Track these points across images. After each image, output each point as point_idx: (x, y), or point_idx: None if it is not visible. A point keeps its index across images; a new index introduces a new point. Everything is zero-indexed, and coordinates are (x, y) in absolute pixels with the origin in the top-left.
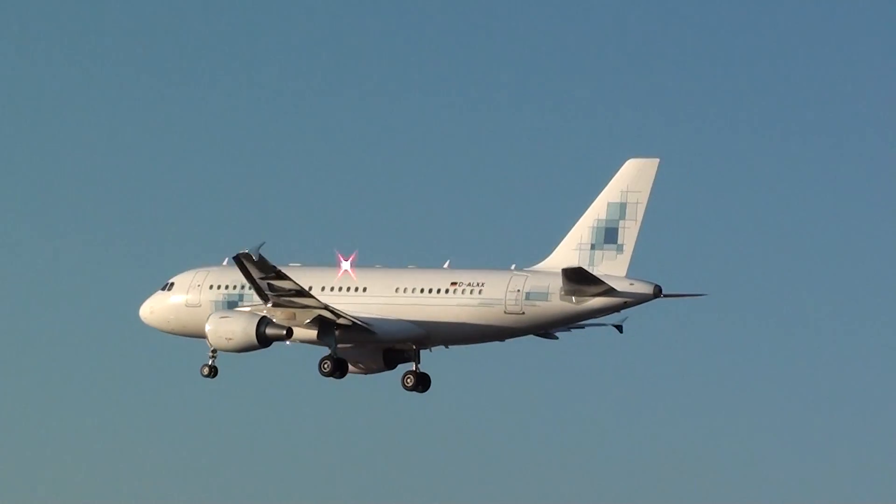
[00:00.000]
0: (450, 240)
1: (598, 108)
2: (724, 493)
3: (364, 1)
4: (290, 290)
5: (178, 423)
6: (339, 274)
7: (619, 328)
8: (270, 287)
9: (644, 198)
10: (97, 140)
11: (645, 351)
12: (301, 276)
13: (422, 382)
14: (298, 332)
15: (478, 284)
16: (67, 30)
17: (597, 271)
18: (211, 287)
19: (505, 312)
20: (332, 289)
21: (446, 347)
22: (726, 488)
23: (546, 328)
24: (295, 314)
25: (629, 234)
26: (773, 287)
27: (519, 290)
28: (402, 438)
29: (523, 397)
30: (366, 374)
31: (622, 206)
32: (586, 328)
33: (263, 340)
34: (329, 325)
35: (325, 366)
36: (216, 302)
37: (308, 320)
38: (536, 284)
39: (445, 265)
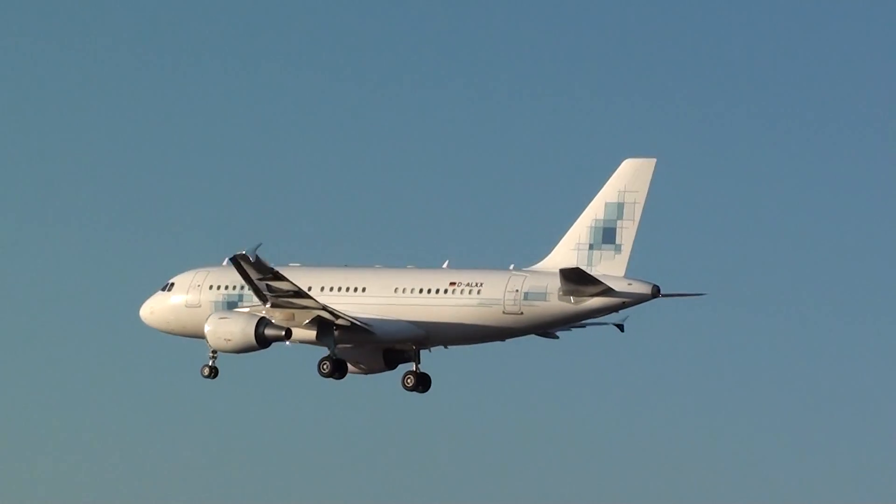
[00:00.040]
0: (449, 240)
1: (594, 108)
2: (725, 492)
3: (363, 1)
4: (288, 290)
5: (179, 424)
6: None
7: (621, 327)
8: (269, 288)
9: (641, 198)
10: (97, 140)
11: (645, 350)
12: (301, 277)
13: (422, 383)
14: (297, 333)
15: (476, 284)
16: (66, 28)
17: (595, 271)
18: (211, 287)
19: (504, 312)
20: (331, 289)
21: (445, 348)
22: (727, 487)
23: (545, 328)
24: (294, 315)
25: (627, 234)
26: (771, 286)
27: (517, 291)
28: (403, 439)
29: (524, 397)
30: (366, 374)
31: (620, 206)
32: (587, 327)
33: (262, 341)
34: (328, 326)
35: (325, 367)
36: (216, 302)
37: (307, 321)
38: (535, 284)
39: (444, 265)
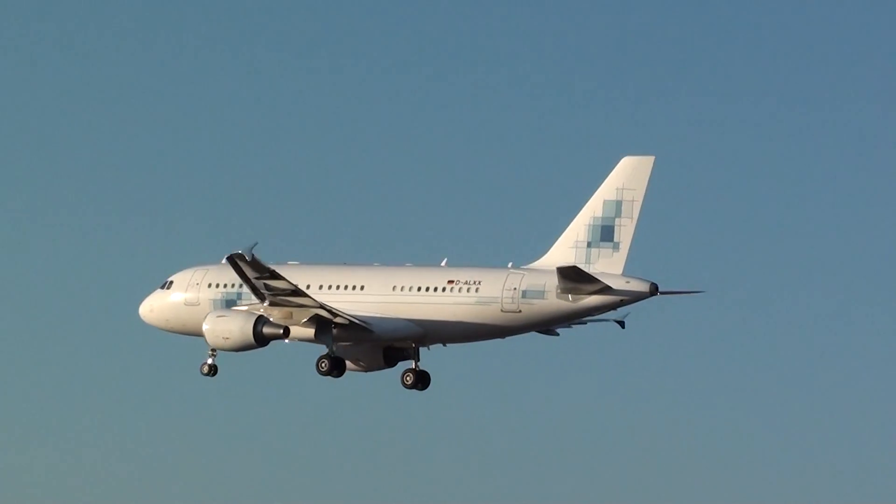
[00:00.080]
0: (447, 238)
1: (593, 105)
2: (725, 488)
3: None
4: (285, 289)
5: (178, 422)
6: None
7: (622, 324)
8: (266, 286)
9: (640, 195)
10: (95, 138)
11: (645, 347)
12: (299, 275)
13: (421, 380)
14: (296, 331)
15: (474, 283)
16: (63, 26)
17: (593, 269)
18: (210, 285)
19: (501, 311)
20: (329, 287)
21: (444, 346)
22: (726, 483)
23: (543, 326)
24: (292, 313)
25: (625, 231)
26: (769, 283)
27: (515, 289)
28: (402, 437)
29: (524, 394)
30: (366, 371)
31: (618, 204)
32: (588, 324)
33: (260, 339)
34: (326, 324)
35: (323, 365)
36: (215, 300)
37: (305, 319)
38: (533, 282)
39: (443, 263)
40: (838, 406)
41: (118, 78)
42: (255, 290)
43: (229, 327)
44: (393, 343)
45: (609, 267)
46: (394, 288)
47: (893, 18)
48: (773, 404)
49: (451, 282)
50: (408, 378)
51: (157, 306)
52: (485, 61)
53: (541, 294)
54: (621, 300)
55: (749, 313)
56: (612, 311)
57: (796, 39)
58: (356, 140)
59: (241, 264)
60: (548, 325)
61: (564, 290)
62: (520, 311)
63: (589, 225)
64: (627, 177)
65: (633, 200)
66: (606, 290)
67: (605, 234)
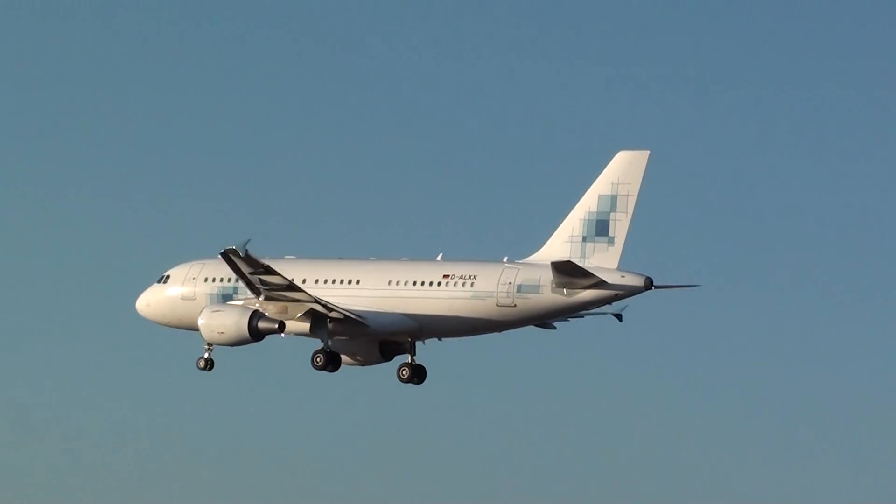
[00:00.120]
0: (443, 232)
1: (588, 100)
2: (720, 481)
3: None
4: (279, 284)
5: (174, 416)
6: None
7: (619, 317)
8: (261, 281)
9: (635, 190)
10: (92, 133)
11: (641, 341)
12: (295, 269)
13: (417, 374)
14: (291, 325)
15: (470, 277)
16: (55, 24)
17: (588, 264)
18: (206, 280)
19: (497, 305)
20: (325, 281)
21: (440, 340)
22: (722, 477)
23: (538, 321)
24: (287, 308)
25: (620, 226)
26: (764, 277)
27: (510, 283)
28: (399, 431)
29: (520, 388)
30: (363, 365)
31: (613, 199)
32: (586, 317)
33: (255, 334)
34: (321, 319)
35: (318, 359)
36: (211, 295)
37: (300, 314)
38: (528, 277)
39: (438, 257)
40: (833, 399)
41: (113, 73)
42: (249, 284)
43: (224, 322)
44: (389, 337)
45: (604, 261)
46: (389, 282)
47: (889, 12)
48: (768, 397)
49: (446, 276)
50: (404, 372)
51: (153, 301)
52: (481, 56)
53: (536, 288)
54: (616, 294)
55: (744, 307)
56: (609, 305)
57: (791, 34)
58: (353, 134)
59: (235, 260)
60: (543, 319)
61: (559, 285)
62: (515, 306)
63: (584, 219)
64: (622, 171)
65: (628, 195)
66: (601, 284)
67: (600, 228)
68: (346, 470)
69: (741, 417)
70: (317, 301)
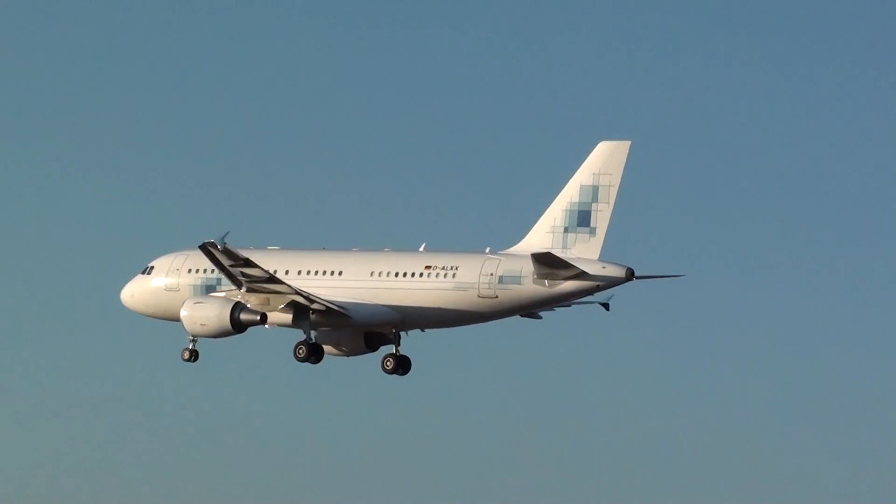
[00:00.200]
0: (426, 222)
1: (570, 90)
2: (710, 473)
3: None
4: (260, 276)
5: (159, 408)
6: None
7: (606, 306)
8: (242, 273)
9: (616, 180)
10: (78, 124)
11: (628, 330)
12: (279, 260)
13: (402, 365)
14: (274, 317)
15: (451, 268)
16: (45, 22)
17: (570, 254)
18: (189, 271)
19: (478, 296)
20: (308, 272)
21: (422, 331)
22: (712, 467)
23: (519, 312)
24: (269, 299)
25: (602, 216)
26: (746, 267)
27: (492, 274)
28: (383, 422)
29: (506, 378)
30: (348, 356)
31: (594, 189)
32: (573, 306)
33: (238, 326)
34: (304, 310)
35: (300, 351)
36: (194, 286)
37: (282, 305)
38: (510, 268)
39: (421, 248)
40: (819, 388)
41: (97, 65)
42: (231, 276)
43: (206, 314)
44: (372, 329)
45: (586, 252)
46: (372, 273)
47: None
48: (753, 387)
49: (428, 267)
50: (388, 363)
51: (137, 292)
52: (462, 46)
53: (517, 279)
54: (597, 285)
55: (727, 297)
56: (598, 294)
57: (774, 22)
58: (335, 126)
59: (215, 252)
60: (525, 310)
61: (541, 276)
62: (496, 297)
63: (566, 210)
64: (604, 162)
65: (609, 185)
66: (582, 275)
67: (581, 219)
68: (331, 462)
69: (728, 406)
70: (298, 293)
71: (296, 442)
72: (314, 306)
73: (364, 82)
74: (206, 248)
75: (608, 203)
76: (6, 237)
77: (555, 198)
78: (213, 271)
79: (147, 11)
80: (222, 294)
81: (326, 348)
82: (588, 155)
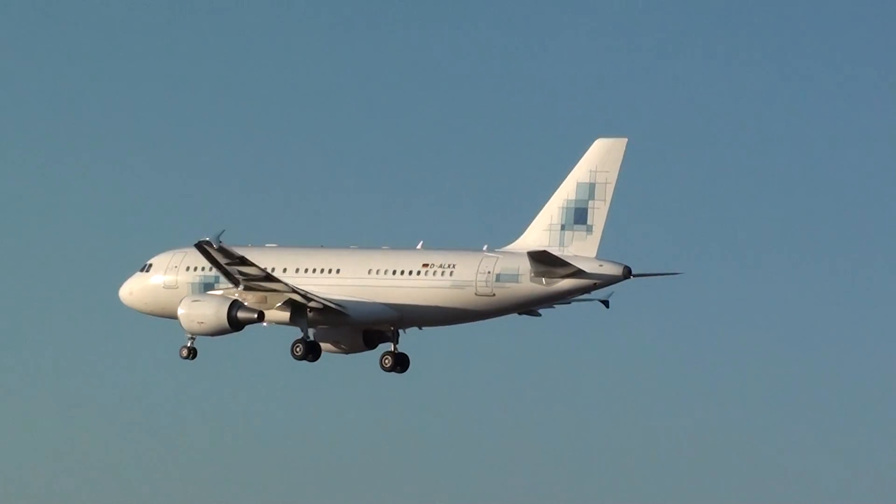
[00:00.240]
0: (424, 220)
1: (566, 87)
2: (710, 469)
3: None
4: (256, 275)
5: (158, 405)
6: None
7: (606, 303)
8: (239, 271)
9: (613, 178)
10: (76, 120)
11: (627, 328)
12: (277, 257)
13: (400, 363)
14: (271, 315)
15: (449, 266)
16: (44, 20)
17: (567, 252)
18: (188, 269)
19: (476, 294)
20: (305, 270)
21: (420, 329)
22: (711, 464)
23: (517, 310)
24: (266, 297)
25: (598, 214)
26: (744, 264)
27: (489, 272)
28: (382, 420)
29: (504, 376)
30: (346, 353)
31: (591, 187)
32: (572, 303)
33: (235, 324)
34: (301, 308)
35: (297, 349)
36: (193, 283)
37: (279, 303)
38: (507, 266)
39: (418, 246)
40: (818, 384)
41: (97, 62)
42: (227, 275)
43: (204, 312)
44: (370, 326)
45: (582, 250)
46: (369, 271)
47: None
48: (753, 385)
49: (425, 265)
50: (386, 361)
51: (136, 289)
52: (459, 45)
53: (514, 278)
54: (594, 284)
55: (725, 294)
56: (598, 291)
57: (770, 19)
58: (333, 123)
59: (210, 251)
60: (521, 308)
61: (538, 274)
62: (494, 295)
63: (562, 207)
64: (600, 159)
65: (606, 183)
66: (579, 273)
67: (578, 216)
68: (330, 460)
69: (727, 403)
70: (295, 291)
71: (295, 440)
72: (311, 304)
73: (362, 80)
74: (201, 247)
75: (605, 200)
76: (5, 235)
77: (551, 195)
78: (211, 269)
79: (145, 10)
80: (220, 292)
81: (325, 346)
82: (585, 152)
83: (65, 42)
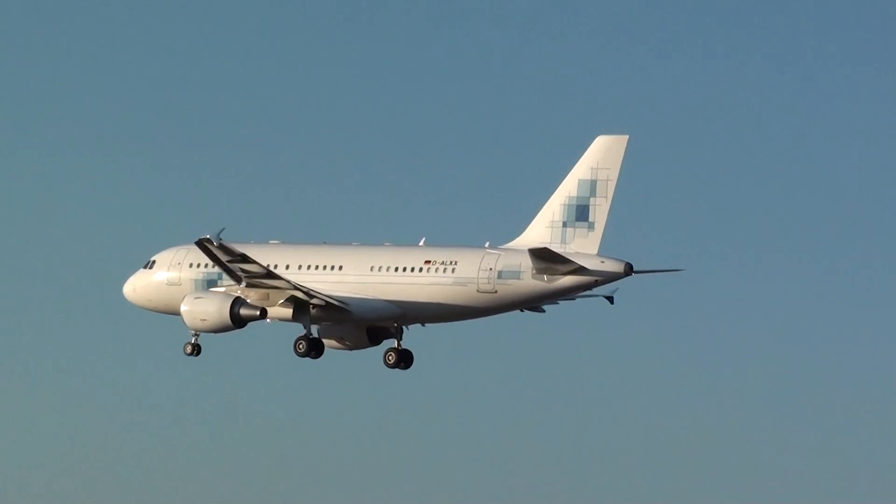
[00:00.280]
0: (427, 216)
1: (567, 84)
2: (710, 468)
3: None
4: (258, 272)
5: (162, 402)
6: None
7: (610, 299)
8: (241, 268)
9: (614, 175)
10: (80, 117)
11: (631, 324)
12: (280, 254)
13: (404, 360)
14: (274, 312)
15: (451, 263)
16: (44, 18)
17: (568, 249)
18: (191, 265)
19: (478, 291)
20: (308, 267)
21: (423, 325)
22: (714, 462)
23: (519, 307)
24: (268, 294)
25: (600, 211)
26: (746, 260)
27: (491, 269)
28: (386, 418)
29: (510, 373)
30: (351, 350)
31: (592, 184)
32: (577, 299)
33: (237, 321)
34: (304, 305)
35: (300, 346)
36: (196, 280)
37: (282, 300)
38: (509, 263)
39: (421, 242)
40: (821, 381)
41: (98, 61)
42: (229, 272)
43: (206, 309)
44: (373, 323)
45: (584, 247)
46: (372, 268)
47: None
48: (757, 381)
49: (427, 262)
50: (390, 357)
51: (140, 286)
52: (460, 42)
53: (516, 274)
54: (596, 280)
55: (728, 290)
56: (603, 287)
57: (772, 19)
58: (336, 120)
59: (211, 248)
60: (523, 305)
61: (539, 271)
62: (496, 292)
63: (564, 204)
64: (602, 156)
65: (607, 180)
66: (581, 270)
67: (580, 213)
68: (334, 456)
69: (731, 399)
70: (297, 288)
71: (299, 437)
72: (314, 301)
73: (364, 77)
74: (202, 244)
75: (606, 197)
76: (9, 233)
77: (553, 192)
78: (214, 266)
79: (145, 9)
80: (223, 289)
81: (330, 342)
82: (586, 149)
83: (65, 41)
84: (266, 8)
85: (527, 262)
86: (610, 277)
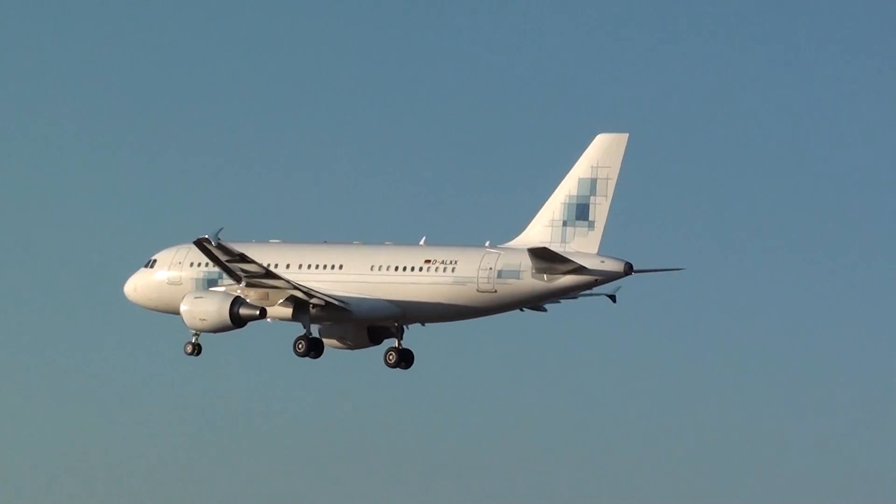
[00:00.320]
0: (427, 215)
1: (567, 82)
2: (721, 468)
3: None
4: (256, 272)
5: (162, 401)
6: None
7: (613, 298)
8: (241, 268)
9: (614, 173)
10: (79, 118)
11: (633, 323)
12: (280, 253)
13: (405, 359)
14: (274, 311)
15: (451, 262)
16: (44, 17)
17: (569, 248)
18: (192, 264)
19: (477, 290)
20: (308, 266)
21: (423, 325)
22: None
23: (519, 306)
24: (268, 294)
25: (600, 210)
26: (747, 259)
27: (491, 269)
28: (386, 418)
29: (511, 372)
30: (352, 349)
31: (593, 182)
32: (579, 298)
33: (237, 321)
34: (304, 305)
35: (300, 346)
36: (196, 279)
37: (282, 300)
38: (508, 262)
39: (421, 241)
40: (821, 380)
41: (97, 61)
42: (229, 271)
43: (206, 308)
44: (373, 323)
45: (584, 246)
46: (372, 267)
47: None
48: (756, 379)
49: (427, 261)
50: (391, 357)
51: (140, 285)
52: (460, 40)
53: (516, 274)
54: (596, 280)
55: (729, 289)
56: (605, 286)
57: (773, 18)
58: (336, 119)
59: (210, 248)
60: (523, 304)
61: (539, 270)
62: (495, 292)
63: (564, 203)
64: (602, 155)
65: (607, 178)
66: (581, 269)
67: (580, 212)
68: (334, 456)
69: (733, 399)
70: (296, 287)
71: (299, 437)
72: (314, 301)
73: (365, 76)
74: (201, 244)
75: (606, 196)
76: (10, 232)
77: (553, 191)
78: (214, 265)
79: (144, 8)
80: (222, 289)
81: (330, 342)
82: (586, 148)
83: (65, 40)
84: (266, 7)
85: (527, 262)
86: (610, 277)
